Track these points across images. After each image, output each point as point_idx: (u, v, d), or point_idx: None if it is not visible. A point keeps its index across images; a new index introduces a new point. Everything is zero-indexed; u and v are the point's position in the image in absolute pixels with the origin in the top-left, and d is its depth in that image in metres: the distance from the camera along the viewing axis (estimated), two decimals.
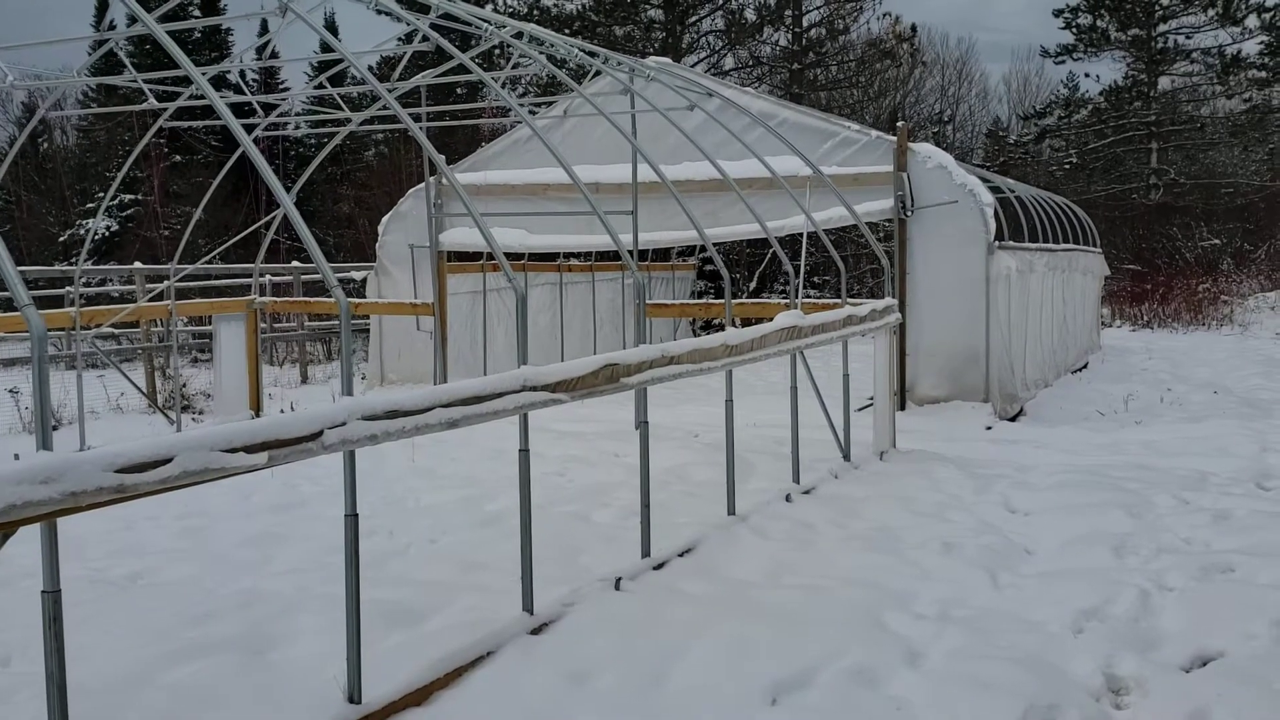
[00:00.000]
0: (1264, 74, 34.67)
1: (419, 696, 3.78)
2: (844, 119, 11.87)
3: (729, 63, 27.81)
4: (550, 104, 13.69)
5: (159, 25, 4.34)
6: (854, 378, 8.69)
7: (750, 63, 27.41)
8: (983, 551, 5.61)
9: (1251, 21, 33.99)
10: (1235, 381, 13.32)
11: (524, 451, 4.54)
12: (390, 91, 10.49)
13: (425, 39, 6.03)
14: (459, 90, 30.55)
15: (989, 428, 10.04)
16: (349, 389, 3.52)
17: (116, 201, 26.90)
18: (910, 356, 10.77)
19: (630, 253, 10.69)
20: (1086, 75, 48.11)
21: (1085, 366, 15.39)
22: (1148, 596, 4.81)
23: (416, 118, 12.11)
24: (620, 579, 4.95)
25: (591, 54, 8.48)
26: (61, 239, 26.46)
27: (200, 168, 29.99)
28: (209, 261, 14.26)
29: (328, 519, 6.46)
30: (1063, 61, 36.82)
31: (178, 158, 31.48)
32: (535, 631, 4.39)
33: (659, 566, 5.32)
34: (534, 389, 4.29)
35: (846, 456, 7.99)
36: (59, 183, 30.82)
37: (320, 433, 3.19)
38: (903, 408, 10.70)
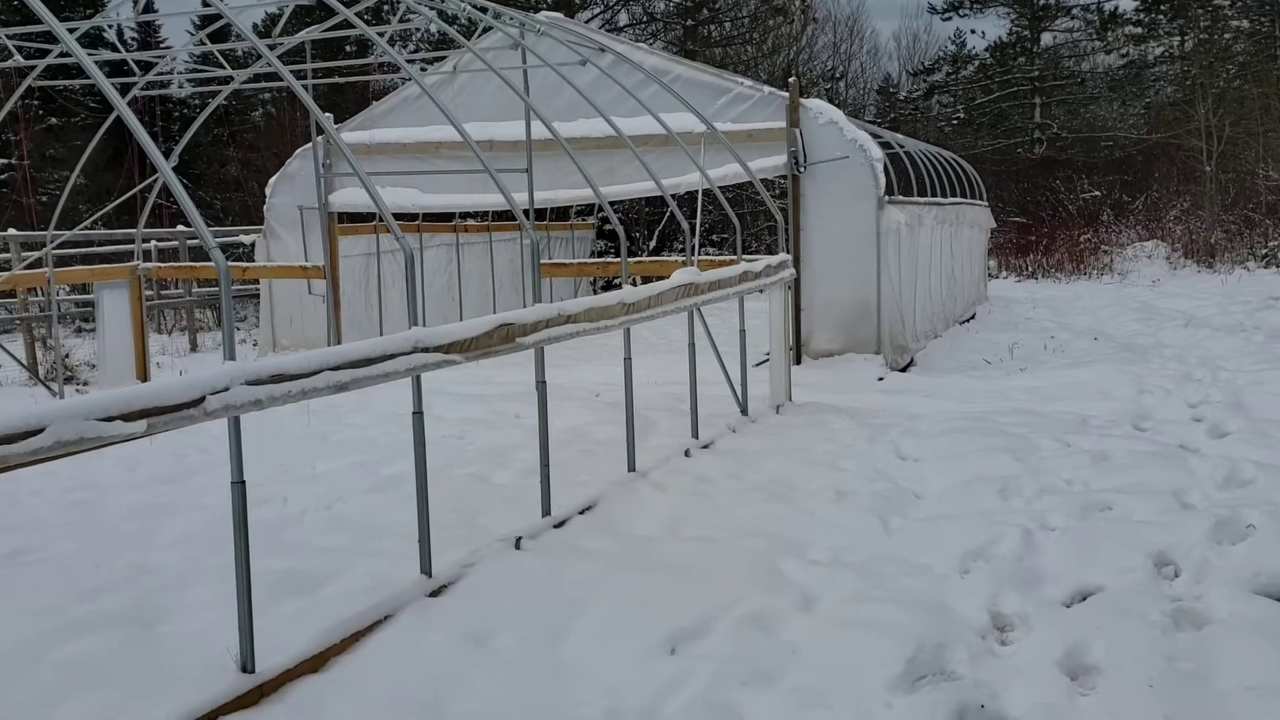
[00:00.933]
0: (1140, 30, 35.81)
1: (315, 663, 3.74)
2: (737, 75, 11.90)
3: (623, 19, 27.62)
4: (442, 59, 13.45)
5: None
6: (752, 333, 8.80)
7: (644, 19, 27.27)
8: (874, 498, 5.76)
9: None
10: (1115, 328, 13.83)
11: (417, 414, 4.49)
12: (274, 48, 10.18)
13: None
14: (349, 48, 29.78)
15: (881, 379, 10.27)
16: (231, 353, 3.43)
17: None
18: (805, 311, 10.93)
19: (525, 212, 10.62)
20: (973, 32, 49.13)
21: (973, 317, 15.82)
22: (1031, 536, 4.99)
23: (302, 75, 11.78)
24: (520, 538, 4.95)
25: (481, 8, 8.35)
26: None
27: (78, 130, 28.71)
28: (89, 227, 13.71)
29: (219, 488, 6.29)
30: (949, 18, 37.53)
31: (53, 120, 30.12)
32: (434, 594, 4.38)
33: (560, 525, 5.33)
34: (426, 350, 4.24)
35: (744, 411, 8.09)
36: None
37: (202, 399, 3.11)
38: (799, 361, 10.87)
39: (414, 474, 6.71)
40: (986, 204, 18.45)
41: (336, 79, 15.55)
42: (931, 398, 9.23)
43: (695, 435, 7.24)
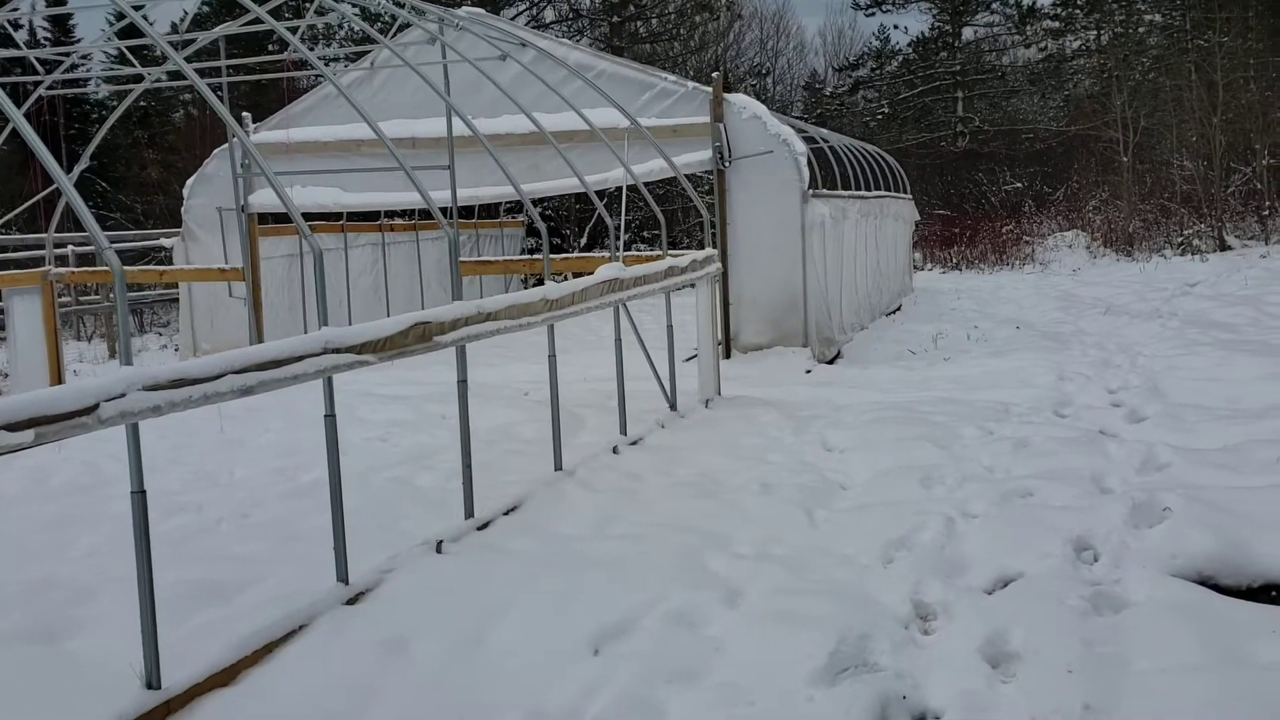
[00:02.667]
0: (1057, 24, 36.51)
1: (226, 676, 3.62)
2: (662, 71, 11.87)
3: (549, 15, 27.47)
4: (364, 54, 13.23)
5: None
6: (683, 329, 8.79)
7: (571, 15, 27.14)
8: (800, 490, 5.76)
9: None
10: (1037, 316, 14.06)
11: (330, 417, 4.39)
12: (184, 46, 9.93)
13: None
14: (271, 46, 29.22)
15: (809, 371, 10.31)
16: (128, 358, 3.30)
17: None
18: (734, 305, 10.94)
19: (446, 210, 10.50)
20: (896, 27, 49.44)
21: (899, 309, 15.98)
22: (953, 524, 5.03)
23: (217, 73, 11.51)
24: (442, 541, 4.86)
25: (399, 3, 8.21)
26: None
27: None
28: None
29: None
30: (872, 14, 37.90)
31: None
32: (351, 601, 4.27)
33: (483, 527, 5.25)
34: (338, 351, 4.13)
35: (673, 406, 8.06)
36: None
37: (96, 406, 2.99)
38: (728, 355, 10.88)
39: None
40: (910, 197, 18.66)
41: (260, 77, 15.20)
42: (857, 389, 9.29)
43: (624, 432, 7.19)
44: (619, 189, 10.88)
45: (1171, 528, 4.68)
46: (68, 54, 11.13)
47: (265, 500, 6.03)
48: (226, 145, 12.37)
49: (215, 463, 7.03)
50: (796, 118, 30.35)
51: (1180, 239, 22.30)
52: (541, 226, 6.36)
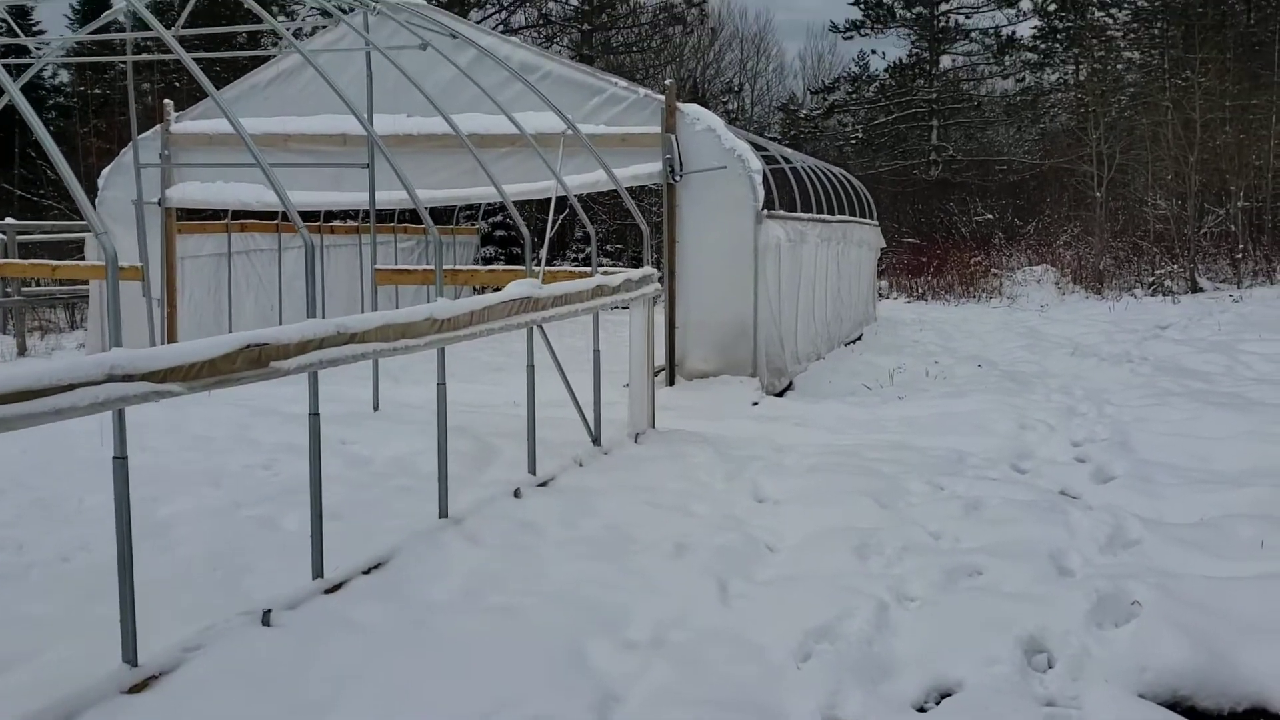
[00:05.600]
0: (1036, 56, 36.17)
1: None
2: (612, 75, 11.12)
3: (519, 20, 26.74)
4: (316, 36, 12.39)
5: None
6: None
7: (540, 22, 26.41)
8: (718, 554, 4.99)
9: (1025, 4, 35.40)
10: (1000, 354, 13.40)
11: (120, 459, 3.57)
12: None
13: None
14: (240, 39, 28.25)
15: (755, 404, 9.57)
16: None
17: None
18: (680, 329, 10.18)
19: (366, 212, 9.70)
20: (874, 52, 49.09)
21: (860, 338, 15.30)
22: (886, 610, 4.27)
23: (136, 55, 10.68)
24: (270, 611, 4.04)
25: None
26: None
27: None
28: None
29: None
30: (850, 38, 37.44)
31: None
32: (136, 689, 3.45)
33: (334, 589, 4.43)
34: (129, 378, 3.33)
35: (596, 441, 7.29)
36: None
37: None
38: (672, 382, 10.13)
39: (193, 516, 5.79)
40: (876, 223, 18.00)
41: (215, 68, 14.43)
42: (804, 427, 8.56)
43: (532, 471, 6.40)
44: (562, 197, 10.13)
45: (1141, 629, 3.95)
46: (44, 41, 10.24)
47: (96, 540, 5.17)
48: (145, 134, 11.52)
49: (67, 488, 6.17)
50: (770, 138, 29.76)
51: (1152, 279, 21.79)
52: (434, 231, 5.58)
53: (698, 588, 4.58)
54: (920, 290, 23.28)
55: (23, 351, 13.64)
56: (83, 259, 11.76)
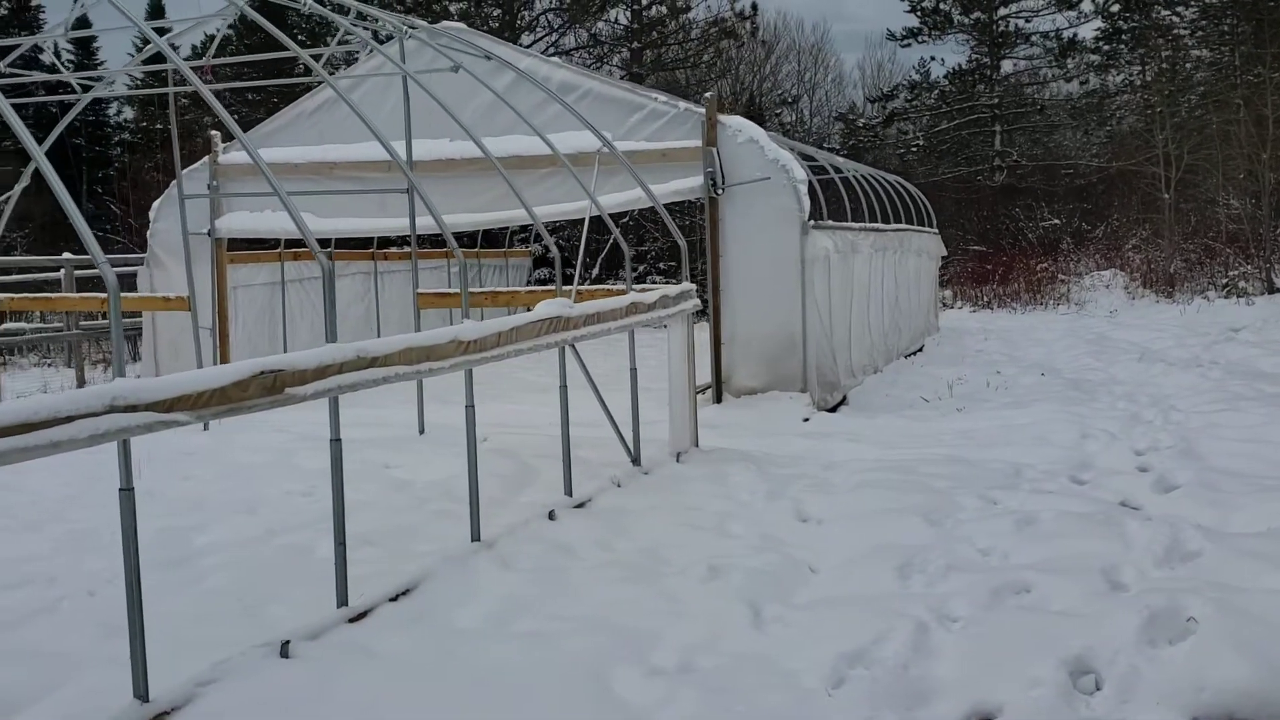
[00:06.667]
0: (1099, 58, 35.39)
1: None
2: (653, 90, 11.04)
3: (570, 42, 26.86)
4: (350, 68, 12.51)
5: None
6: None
7: (590, 43, 26.49)
8: (753, 576, 4.82)
9: (1086, 6, 34.69)
10: (1066, 361, 13.02)
11: (126, 491, 3.53)
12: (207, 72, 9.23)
13: None
14: (298, 69, 28.77)
15: (806, 420, 9.37)
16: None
17: None
18: (726, 345, 10.03)
19: (406, 239, 9.70)
20: (933, 59, 48.38)
21: (920, 349, 14.99)
22: (926, 632, 4.07)
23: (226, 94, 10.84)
24: (289, 642, 3.96)
25: (343, 9, 7.45)
26: None
27: (11, 156, 27.56)
28: None
29: None
30: (908, 45, 36.97)
31: None
32: None
33: (360, 617, 4.36)
34: (133, 409, 3.28)
35: (636, 461, 7.16)
36: None
37: None
38: (719, 400, 9.97)
39: (227, 545, 5.77)
40: (936, 231, 17.67)
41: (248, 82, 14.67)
42: (856, 442, 8.35)
43: (568, 492, 6.29)
44: (625, 213, 10.07)
45: (1197, 647, 3.71)
46: (97, 78, 10.46)
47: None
48: (196, 165, 11.70)
49: (102, 520, 6.17)
50: (829, 149, 29.45)
51: (1225, 281, 21.10)
52: (459, 255, 5.52)
53: (729, 612, 4.42)
54: (985, 299, 22.82)
55: (81, 384, 13.92)
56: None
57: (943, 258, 18.79)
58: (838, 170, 12.46)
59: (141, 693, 3.47)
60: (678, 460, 7.43)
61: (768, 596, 4.59)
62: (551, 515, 5.88)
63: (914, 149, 37.15)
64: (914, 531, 5.51)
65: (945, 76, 37.08)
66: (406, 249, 16.12)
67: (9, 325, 13.96)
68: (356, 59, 11.95)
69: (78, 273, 13.45)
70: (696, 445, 7.83)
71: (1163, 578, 4.57)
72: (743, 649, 4.04)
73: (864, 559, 5.07)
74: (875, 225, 12.74)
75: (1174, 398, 9.59)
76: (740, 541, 5.46)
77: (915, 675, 3.72)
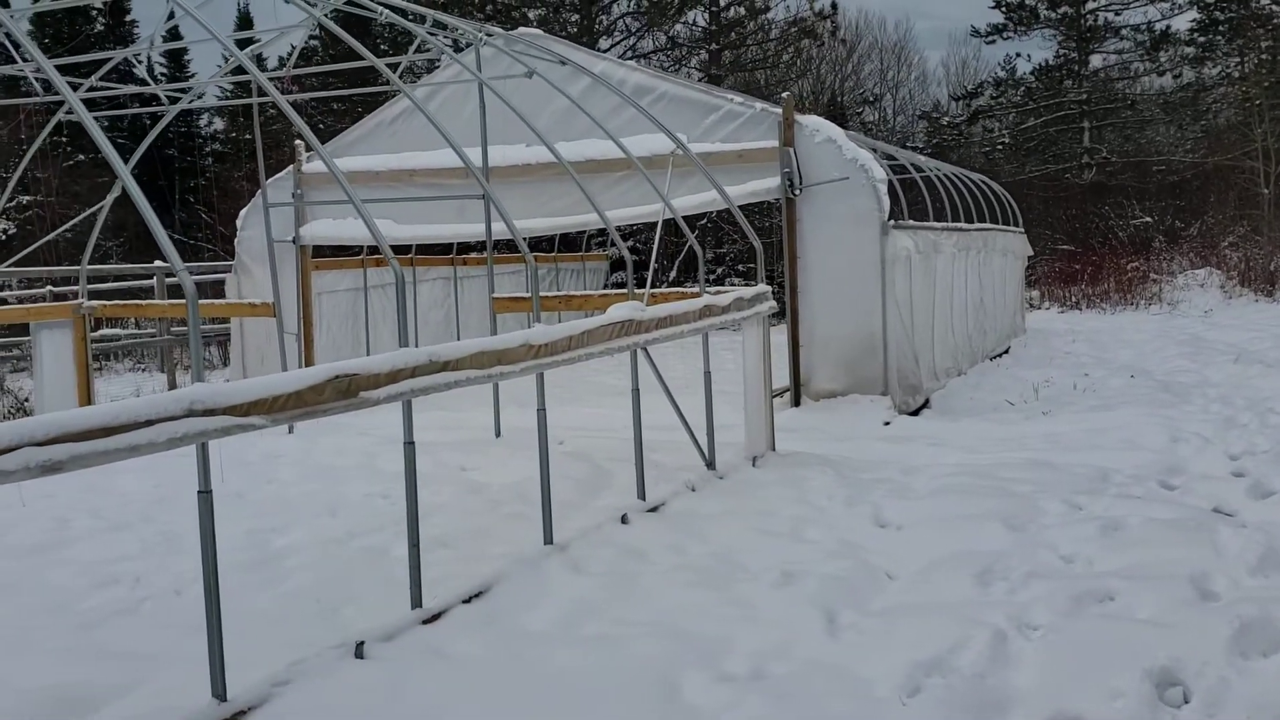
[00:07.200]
0: (1195, 50, 34.32)
1: None
2: (729, 91, 10.98)
3: (647, 46, 26.89)
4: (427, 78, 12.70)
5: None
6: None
7: (668, 46, 26.49)
8: (827, 582, 4.75)
9: None
10: (1157, 363, 12.64)
11: (204, 494, 3.60)
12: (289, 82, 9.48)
13: None
14: (381, 79, 29.36)
15: (887, 423, 9.22)
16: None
17: (14, 203, 25.49)
18: (804, 347, 9.92)
19: (482, 244, 9.77)
20: (1018, 55, 47.47)
21: (1007, 351, 14.68)
22: (1004, 640, 3.96)
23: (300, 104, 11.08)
24: (363, 643, 4.01)
25: (419, 18, 7.55)
26: None
27: (104, 166, 28.56)
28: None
29: (77, 563, 5.49)
30: (993, 41, 36.27)
31: (81, 157, 30.06)
32: None
33: (432, 619, 4.39)
34: (211, 413, 3.35)
35: (710, 465, 7.12)
36: None
37: None
38: (797, 403, 9.87)
39: (307, 545, 5.87)
40: (1021, 230, 17.29)
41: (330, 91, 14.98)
42: (938, 446, 8.19)
43: (641, 496, 6.28)
44: (700, 214, 10.04)
45: None
46: (185, 89, 10.79)
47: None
48: (281, 174, 11.96)
49: (191, 521, 6.30)
50: (913, 147, 29.05)
51: None
52: (530, 259, 5.54)
53: (803, 618, 4.36)
54: (1074, 299, 22.26)
55: (172, 387, 14.34)
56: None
57: (1029, 257, 18.37)
58: (919, 169, 12.27)
59: (219, 692, 3.54)
60: (753, 464, 7.38)
61: (843, 603, 4.52)
62: (624, 519, 5.87)
63: (999, 147, 36.45)
64: (995, 537, 5.38)
65: (1031, 72, 36.31)
66: (485, 254, 16.32)
67: (105, 331, 14.43)
68: (438, 65, 12.07)
69: (169, 280, 13.84)
70: (773, 449, 7.77)
71: (1256, 587, 4.39)
72: (815, 656, 3.98)
73: (943, 565, 4.96)
74: (958, 225, 12.51)
75: (1272, 400, 9.24)
76: (815, 547, 5.39)
77: (992, 685, 3.63)
